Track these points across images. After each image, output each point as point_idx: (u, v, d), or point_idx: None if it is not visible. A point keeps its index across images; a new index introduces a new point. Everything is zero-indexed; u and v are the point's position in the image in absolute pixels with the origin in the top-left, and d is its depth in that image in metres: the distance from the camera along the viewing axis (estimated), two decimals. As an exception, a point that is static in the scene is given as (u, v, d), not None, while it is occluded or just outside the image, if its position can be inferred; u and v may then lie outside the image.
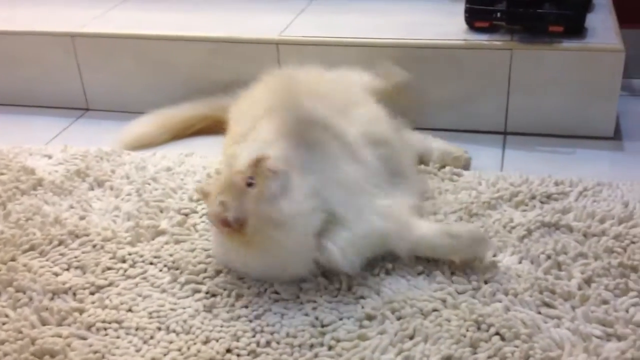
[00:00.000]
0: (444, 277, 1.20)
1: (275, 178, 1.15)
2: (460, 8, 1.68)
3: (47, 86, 1.93)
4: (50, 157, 1.65)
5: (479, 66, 1.62)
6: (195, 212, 1.41)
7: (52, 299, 1.21)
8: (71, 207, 1.46)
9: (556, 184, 1.42)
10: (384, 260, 1.23)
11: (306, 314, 1.15)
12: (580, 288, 1.15)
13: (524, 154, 1.59)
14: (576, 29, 1.58)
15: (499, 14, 1.60)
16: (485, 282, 1.18)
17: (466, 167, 1.53)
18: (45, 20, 1.94)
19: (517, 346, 1.05)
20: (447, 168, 1.50)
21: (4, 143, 1.72)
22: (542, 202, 1.37)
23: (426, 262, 1.23)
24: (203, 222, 1.38)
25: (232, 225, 1.14)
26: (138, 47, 1.82)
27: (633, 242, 1.24)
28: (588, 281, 1.17)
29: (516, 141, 1.63)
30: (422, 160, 1.53)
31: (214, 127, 1.65)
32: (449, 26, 1.69)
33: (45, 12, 2.00)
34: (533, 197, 1.38)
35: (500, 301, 1.14)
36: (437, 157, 1.54)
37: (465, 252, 1.21)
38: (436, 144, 1.56)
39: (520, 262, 1.22)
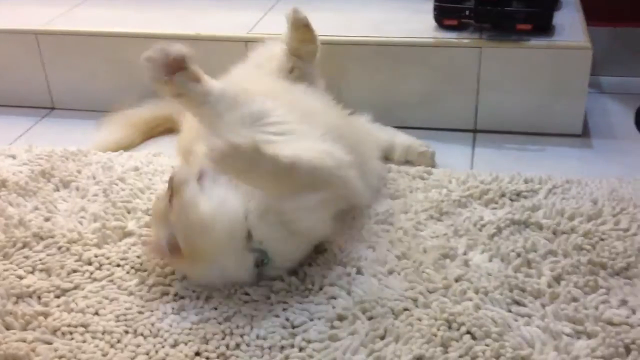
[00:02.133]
0: (415, 275, 1.19)
1: (185, 186, 1.13)
2: (429, 6, 1.68)
3: (10, 85, 1.89)
4: (14, 157, 1.61)
5: (447, 64, 1.62)
6: (163, 212, 1.39)
7: (16, 302, 1.18)
8: (36, 208, 1.43)
9: (525, 181, 1.43)
10: (353, 260, 1.23)
11: (277, 315, 1.13)
12: (550, 286, 1.16)
13: (494, 152, 1.59)
14: (544, 27, 1.59)
15: (467, 12, 1.60)
16: (456, 281, 1.18)
17: (432, 164, 1.53)
18: (7, 17, 1.90)
19: (487, 345, 1.05)
20: (417, 167, 1.50)
21: (-34, 143, 1.68)
22: (511, 200, 1.38)
23: (397, 260, 1.23)
24: (171, 222, 1.36)
25: (171, 252, 1.13)
26: (104, 45, 1.79)
27: (602, 240, 1.25)
28: (558, 279, 1.17)
29: (486, 139, 1.63)
30: (386, 156, 1.52)
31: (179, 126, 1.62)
32: (417, 24, 1.69)
33: (6, 9, 1.96)
34: (503, 195, 1.39)
35: (470, 300, 1.14)
36: (401, 153, 1.54)
37: None
38: (400, 139, 1.56)
39: (490, 260, 1.22)
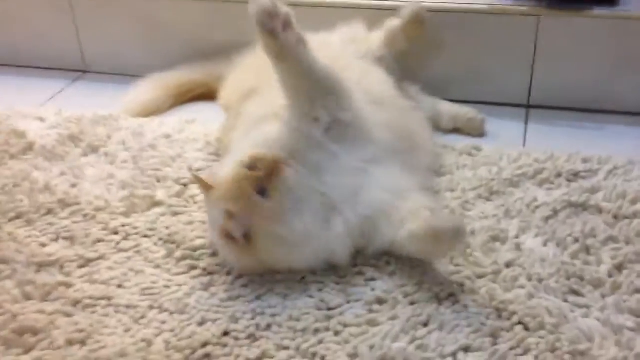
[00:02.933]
0: (462, 258, 1.10)
1: (290, 193, 1.05)
2: (484, -28, 1.56)
3: (42, 46, 1.83)
4: (43, 120, 1.55)
5: (502, 33, 1.51)
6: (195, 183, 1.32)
7: (37, 271, 1.13)
8: (62, 173, 1.36)
9: (584, 161, 1.32)
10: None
11: (311, 296, 1.05)
12: (610, 275, 1.06)
13: (549, 129, 1.48)
14: (610, -5, 1.46)
15: (526, -23, 1.48)
16: (507, 266, 1.09)
17: (481, 130, 1.45)
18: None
19: (542, 337, 0.96)
20: (465, 142, 1.39)
21: (-4, 105, 1.62)
22: (568, 181, 1.27)
23: (442, 242, 1.14)
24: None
25: (237, 240, 1.04)
26: (138, 6, 1.71)
27: (668, 226, 1.14)
28: (619, 267, 1.07)
29: (540, 115, 1.52)
30: (432, 124, 1.42)
31: (214, 93, 1.54)
32: (470, -11, 1.58)
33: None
34: (559, 175, 1.28)
35: (523, 287, 1.04)
36: (448, 121, 1.46)
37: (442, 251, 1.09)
38: (445, 107, 1.48)
39: (545, 245, 1.13)
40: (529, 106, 1.55)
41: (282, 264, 1.08)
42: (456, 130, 1.46)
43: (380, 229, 1.09)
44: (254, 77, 1.32)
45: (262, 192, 1.04)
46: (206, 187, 1.09)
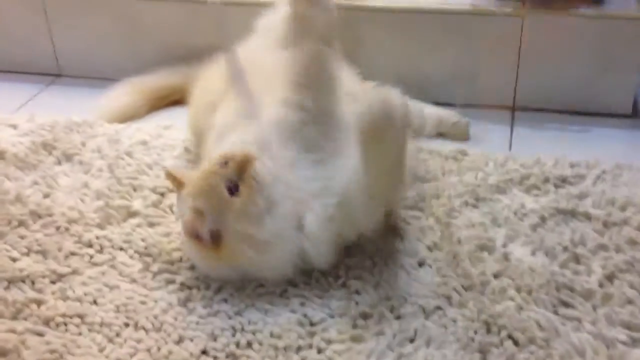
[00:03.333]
0: (450, 269, 1.07)
1: (261, 190, 1.01)
2: (467, -29, 1.53)
3: (14, 49, 1.77)
4: (15, 127, 1.50)
5: (486, 34, 1.48)
6: (173, 191, 1.27)
7: (7, 288, 1.08)
8: (35, 183, 1.31)
9: (571, 165, 1.29)
10: (380, 251, 1.10)
11: (293, 311, 1.01)
12: (601, 285, 1.03)
13: (535, 132, 1.45)
14: (596, -5, 1.44)
15: (510, -23, 1.45)
16: (495, 277, 1.05)
17: (466, 135, 1.42)
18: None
19: (532, 352, 0.93)
20: (452, 147, 1.36)
21: (-35, 111, 1.56)
22: (556, 186, 1.24)
23: (428, 251, 1.11)
24: (181, 202, 1.25)
25: (204, 240, 1.00)
26: (114, 7, 1.66)
27: (659, 233, 1.12)
28: (610, 277, 1.04)
29: (526, 117, 1.49)
30: (415, 130, 1.38)
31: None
32: (453, -11, 1.54)
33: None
34: (546, 180, 1.25)
35: (512, 299, 1.01)
36: (432, 126, 1.42)
37: None
38: (429, 110, 1.44)
39: (533, 254, 1.10)
40: (514, 109, 1.52)
41: (251, 267, 1.03)
42: (441, 135, 1.43)
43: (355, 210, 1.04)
44: (214, 89, 1.27)
45: (232, 190, 1.00)
46: (177, 182, 1.06)
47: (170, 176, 1.08)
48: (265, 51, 1.30)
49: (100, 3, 1.67)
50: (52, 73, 1.78)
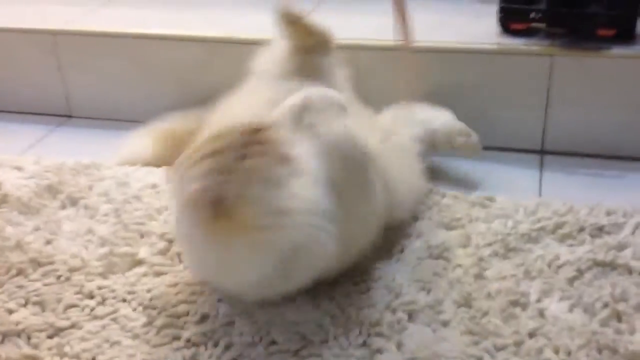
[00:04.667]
0: (479, 327, 0.98)
1: (278, 152, 0.89)
2: (492, 9, 1.47)
3: (24, 90, 1.72)
4: (20, 169, 1.44)
5: (513, 74, 1.41)
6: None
7: (1, 342, 1.00)
8: (37, 229, 1.25)
9: (607, 213, 1.20)
10: (403, 305, 1.02)
11: (309, 373, 0.93)
12: (647, 346, 0.93)
13: (565, 177, 1.37)
14: (629, 33, 1.36)
15: (538, 15, 1.39)
16: (530, 336, 0.96)
17: (478, 151, 1.35)
18: (23, 15, 1.75)
19: (574, 423, 0.83)
20: (477, 193, 1.28)
21: (-29, 153, 1.51)
22: (592, 236, 1.15)
23: (456, 307, 1.02)
24: (190, 250, 1.17)
25: (216, 206, 0.84)
26: (127, 48, 1.62)
27: None
28: (657, 338, 0.95)
29: (555, 162, 1.41)
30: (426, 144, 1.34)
31: None
32: (477, 27, 1.48)
33: (23, 6, 1.80)
34: (581, 230, 1.16)
35: (549, 361, 0.92)
36: (443, 142, 1.35)
37: None
38: (440, 121, 1.36)
39: (571, 311, 1.00)
40: (543, 152, 1.44)
41: (255, 247, 0.88)
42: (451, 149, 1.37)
43: None
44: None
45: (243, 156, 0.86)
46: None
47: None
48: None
49: (113, 44, 1.62)
50: (63, 114, 1.73)
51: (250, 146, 0.87)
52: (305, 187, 0.92)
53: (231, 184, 0.84)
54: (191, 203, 0.86)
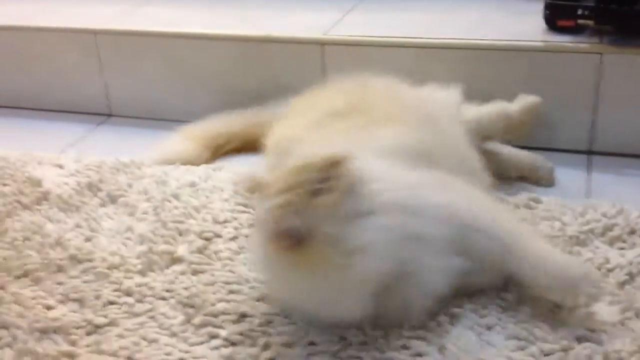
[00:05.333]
0: (525, 332, 0.94)
1: (354, 189, 0.88)
2: (535, 7, 1.44)
3: (65, 89, 1.74)
4: (61, 167, 1.45)
5: (560, 73, 1.36)
6: (220, 236, 1.19)
7: (39, 339, 1.00)
8: (77, 226, 1.25)
9: (659, 216, 1.15)
10: (445, 308, 0.99)
11: (349, 375, 0.91)
12: None
13: (614, 179, 1.32)
14: (681, 30, 1.31)
15: (586, 12, 1.34)
16: (578, 341, 0.92)
17: (552, 180, 1.31)
18: (65, 15, 1.76)
19: None
20: (522, 194, 1.24)
21: (13, 150, 1.52)
22: (643, 239, 1.11)
23: (501, 311, 0.98)
24: (228, 249, 1.16)
25: (288, 239, 0.86)
26: (167, 47, 1.62)
27: None
28: None
29: (604, 163, 1.37)
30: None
31: (253, 145, 1.39)
32: (523, 25, 1.44)
33: (65, 6, 1.82)
34: (632, 232, 1.12)
35: (599, 368, 0.88)
36: (513, 168, 1.32)
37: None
38: (508, 151, 1.34)
39: (621, 315, 0.96)
40: (591, 152, 1.40)
41: (331, 282, 0.88)
42: (522, 179, 1.32)
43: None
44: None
45: (320, 190, 0.86)
46: (258, 186, 0.94)
47: (249, 182, 0.98)
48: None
49: (152, 44, 1.63)
50: (104, 113, 1.74)
51: (326, 181, 0.87)
52: (378, 222, 0.89)
53: (305, 219, 0.85)
54: (266, 235, 0.88)
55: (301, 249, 0.86)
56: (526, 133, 1.33)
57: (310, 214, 0.86)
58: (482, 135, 1.27)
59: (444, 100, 1.26)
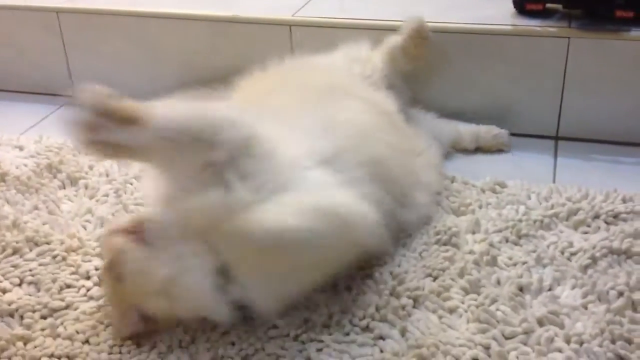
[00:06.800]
0: (487, 314, 0.93)
1: (124, 255, 0.89)
2: (505, -9, 1.43)
3: (28, 68, 1.70)
4: (21, 148, 1.42)
5: (528, 57, 1.36)
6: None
7: (-7, 322, 0.97)
8: (35, 208, 1.22)
9: (624, 200, 1.16)
10: (408, 291, 0.98)
11: (308, 358, 0.89)
12: (664, 337, 0.89)
13: (580, 163, 1.32)
14: (648, 15, 1.31)
15: (554, -5, 1.34)
16: (540, 324, 0.92)
17: (508, 145, 1.36)
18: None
19: (586, 416, 0.79)
20: (487, 178, 1.24)
21: (-28, 131, 1.48)
22: (607, 223, 1.11)
23: (463, 294, 0.98)
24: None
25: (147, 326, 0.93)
26: (132, 27, 1.58)
27: None
28: (674, 328, 0.90)
29: (570, 148, 1.37)
30: (454, 146, 1.35)
31: None
32: (492, 9, 1.43)
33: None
34: (596, 217, 1.12)
35: (560, 351, 0.88)
36: (470, 140, 1.36)
37: None
38: (464, 127, 1.37)
39: (584, 299, 0.96)
40: (557, 138, 1.39)
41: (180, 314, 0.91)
42: (479, 150, 1.36)
43: None
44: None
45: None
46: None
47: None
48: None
49: (117, 24, 1.59)
50: (67, 94, 1.69)
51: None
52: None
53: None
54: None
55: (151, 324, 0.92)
56: (425, 54, 1.32)
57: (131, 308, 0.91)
58: (394, 73, 1.29)
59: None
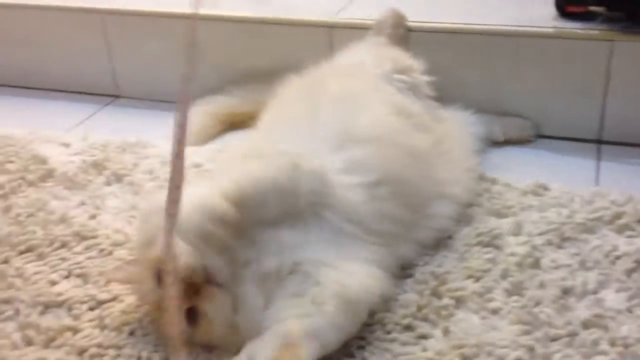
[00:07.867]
0: (531, 316, 0.93)
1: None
2: (546, -7, 1.42)
3: (73, 69, 1.73)
4: (67, 145, 1.45)
5: (569, 60, 1.35)
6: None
7: (42, 313, 1.00)
8: (82, 203, 1.25)
9: (669, 205, 1.14)
10: (451, 291, 0.98)
11: (350, 355, 0.90)
12: None
13: (624, 167, 1.31)
14: (694, 18, 1.30)
15: (597, -2, 1.33)
16: (585, 327, 0.92)
17: (532, 136, 1.40)
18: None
19: (631, 419, 0.79)
20: (530, 181, 1.23)
21: (20, 129, 1.52)
22: (652, 227, 1.10)
23: (506, 295, 0.98)
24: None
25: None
26: (173, 28, 1.60)
27: None
28: None
29: (613, 152, 1.35)
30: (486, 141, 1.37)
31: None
32: (532, 10, 1.43)
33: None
34: (640, 221, 1.11)
35: (605, 354, 0.87)
36: (500, 133, 1.38)
37: None
38: (497, 121, 1.39)
39: (629, 302, 0.95)
40: (600, 141, 1.38)
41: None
42: (507, 142, 1.38)
43: None
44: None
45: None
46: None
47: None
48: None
49: (159, 25, 1.62)
50: (111, 93, 1.73)
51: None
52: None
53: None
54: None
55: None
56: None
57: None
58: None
59: None
